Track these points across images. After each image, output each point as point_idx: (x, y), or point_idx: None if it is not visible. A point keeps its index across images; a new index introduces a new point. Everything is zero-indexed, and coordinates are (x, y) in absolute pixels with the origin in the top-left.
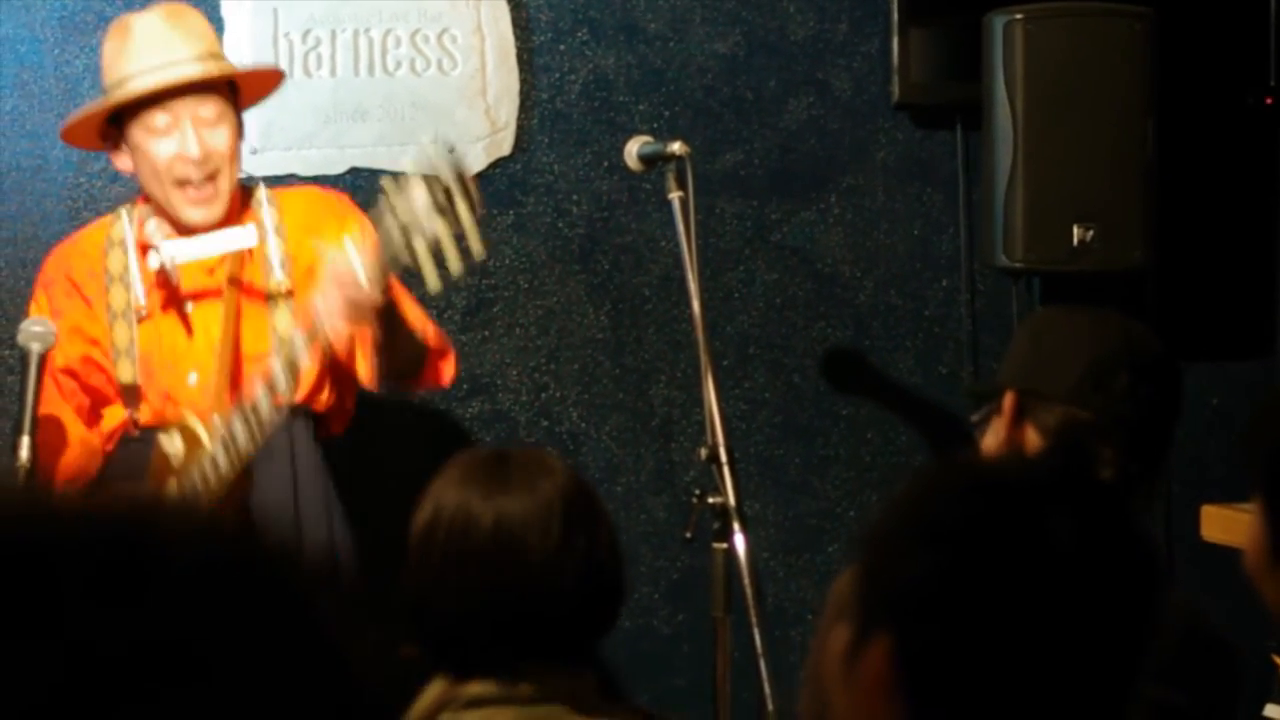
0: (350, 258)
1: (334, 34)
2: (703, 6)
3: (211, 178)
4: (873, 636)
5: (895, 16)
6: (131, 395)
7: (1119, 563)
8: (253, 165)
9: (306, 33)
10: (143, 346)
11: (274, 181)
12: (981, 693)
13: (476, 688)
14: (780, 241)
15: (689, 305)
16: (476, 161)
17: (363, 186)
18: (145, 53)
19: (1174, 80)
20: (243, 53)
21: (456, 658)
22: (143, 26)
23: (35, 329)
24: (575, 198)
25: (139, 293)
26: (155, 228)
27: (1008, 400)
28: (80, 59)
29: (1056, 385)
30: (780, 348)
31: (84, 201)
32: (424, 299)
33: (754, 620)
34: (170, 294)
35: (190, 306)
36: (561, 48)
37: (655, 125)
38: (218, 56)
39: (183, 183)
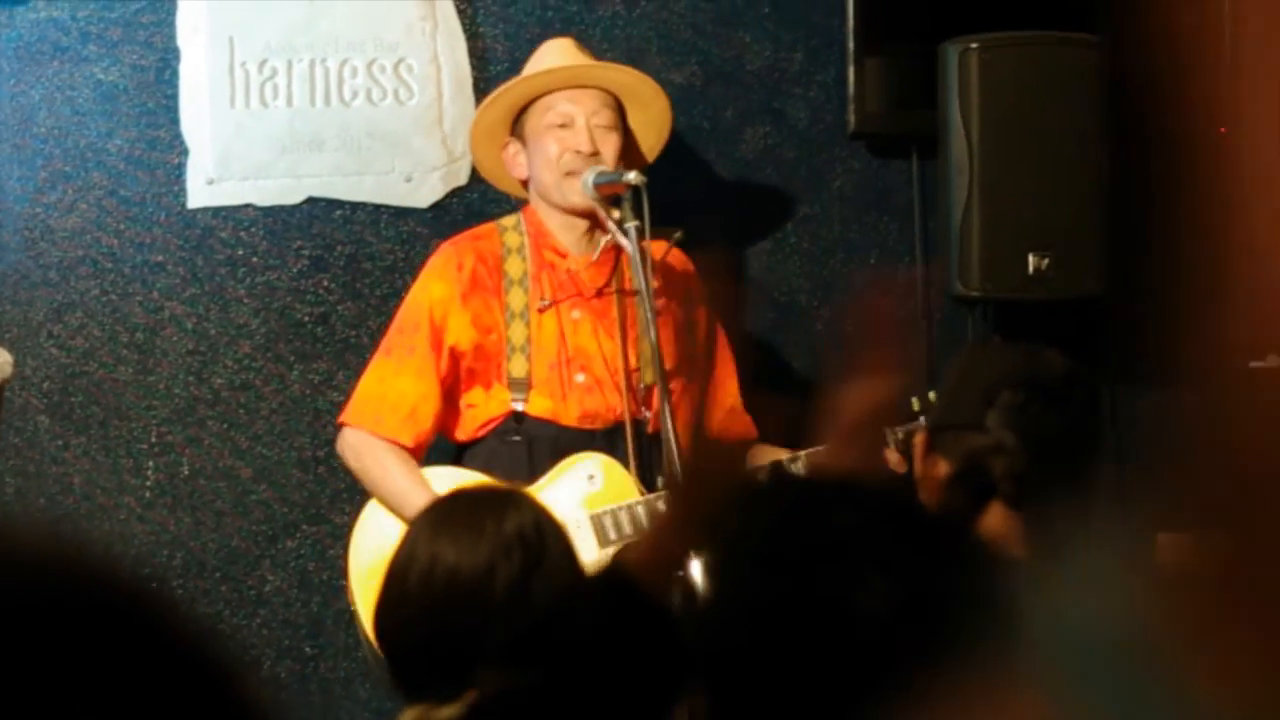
0: None
1: (290, 64)
2: (659, 36)
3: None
4: (694, 690)
5: (851, 46)
6: (521, 387)
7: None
8: (209, 195)
9: (263, 63)
10: (539, 342)
11: (231, 211)
12: None
13: (448, 710)
14: (737, 271)
15: (648, 334)
16: (433, 191)
17: (319, 216)
18: (549, 58)
19: (1128, 109)
20: (199, 83)
21: (410, 677)
22: (550, 46)
23: None
24: None
25: (537, 292)
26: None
27: (917, 440)
28: (36, 89)
29: (958, 414)
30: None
31: (40, 232)
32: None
33: None
34: (579, 292)
35: (577, 314)
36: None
37: None
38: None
39: (571, 173)
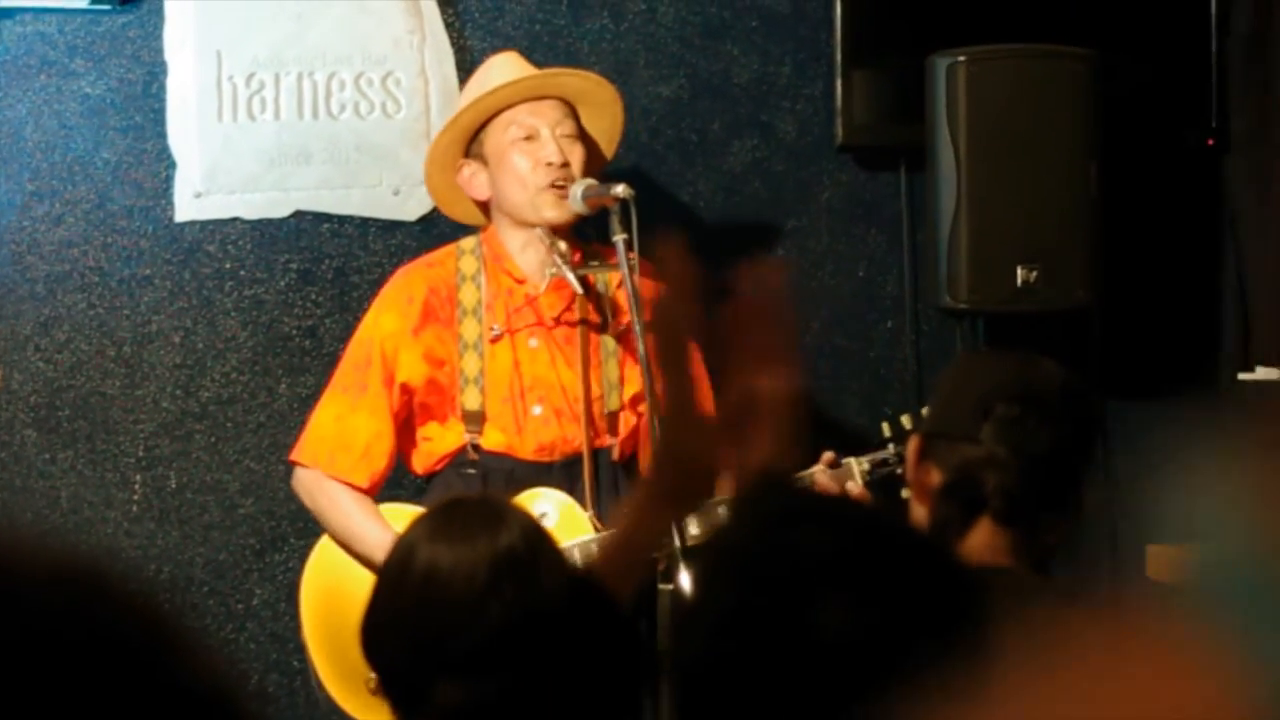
0: None
1: (278, 77)
2: (646, 49)
3: (568, 180)
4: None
5: (838, 59)
6: (475, 421)
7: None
8: (197, 209)
9: (250, 76)
10: (493, 374)
11: (218, 225)
12: None
13: None
14: (725, 283)
15: (636, 346)
16: (421, 204)
17: (307, 229)
18: (498, 74)
19: (1116, 121)
20: (187, 96)
21: (397, 688)
22: (495, 61)
23: None
24: None
25: (491, 321)
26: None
27: (910, 446)
28: (23, 102)
29: (953, 424)
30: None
31: (27, 245)
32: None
33: None
34: (537, 319)
35: (534, 343)
36: None
37: None
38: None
39: (544, 188)
